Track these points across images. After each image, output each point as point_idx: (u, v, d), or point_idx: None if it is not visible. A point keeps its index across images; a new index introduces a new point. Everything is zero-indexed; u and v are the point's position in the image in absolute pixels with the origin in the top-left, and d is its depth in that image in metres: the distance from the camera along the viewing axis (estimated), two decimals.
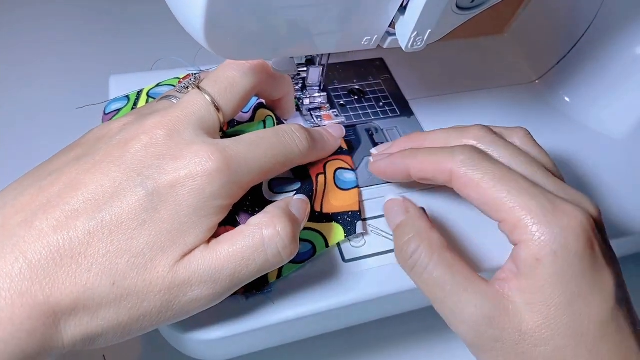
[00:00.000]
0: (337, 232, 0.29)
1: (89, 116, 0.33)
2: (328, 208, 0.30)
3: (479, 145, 0.27)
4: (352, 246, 0.30)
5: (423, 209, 0.28)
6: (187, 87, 0.27)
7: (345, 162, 0.32)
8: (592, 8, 0.40)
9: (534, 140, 0.29)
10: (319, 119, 0.35)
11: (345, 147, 0.33)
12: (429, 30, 0.25)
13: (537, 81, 0.43)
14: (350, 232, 0.29)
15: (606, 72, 0.40)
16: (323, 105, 0.36)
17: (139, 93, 0.34)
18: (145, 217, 0.22)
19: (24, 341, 0.20)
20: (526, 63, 0.44)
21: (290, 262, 0.26)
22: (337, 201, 0.31)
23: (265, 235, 0.23)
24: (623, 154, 0.39)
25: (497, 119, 0.39)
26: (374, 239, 0.30)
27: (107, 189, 0.22)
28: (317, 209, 0.30)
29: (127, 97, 0.34)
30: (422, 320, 0.26)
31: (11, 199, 0.23)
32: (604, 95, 0.40)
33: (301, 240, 0.28)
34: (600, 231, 0.24)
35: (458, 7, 0.25)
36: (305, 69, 0.33)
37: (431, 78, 0.41)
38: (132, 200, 0.22)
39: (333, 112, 0.36)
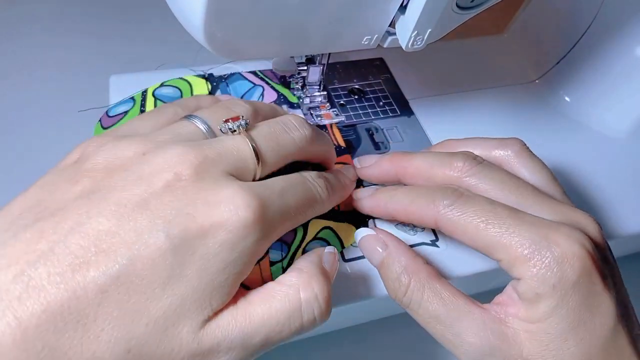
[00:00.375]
0: (350, 233, 0.29)
1: (91, 119, 0.33)
2: (345, 206, 0.30)
3: (463, 178, 0.26)
4: (353, 246, 0.30)
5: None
6: (235, 131, 0.23)
7: (346, 162, 0.32)
8: (592, 8, 0.40)
9: (530, 152, 0.28)
10: (319, 118, 0.35)
11: (344, 145, 0.33)
12: (429, 30, 0.25)
13: (537, 81, 0.43)
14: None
15: (606, 72, 0.40)
16: (323, 105, 0.36)
17: (144, 93, 0.33)
18: (169, 274, 0.19)
19: None
20: (526, 63, 0.44)
21: None
22: (349, 199, 0.31)
23: (303, 298, 0.21)
24: (623, 154, 0.39)
25: (497, 118, 0.39)
26: None
27: (125, 238, 0.19)
28: (336, 207, 0.30)
29: (132, 98, 0.33)
30: None
31: (0, 243, 0.18)
32: (604, 95, 0.40)
33: (321, 239, 0.28)
34: (600, 250, 0.23)
35: (458, 6, 0.25)
36: (305, 67, 0.33)
37: (431, 78, 0.41)
38: (156, 252, 0.19)
39: (333, 111, 0.36)
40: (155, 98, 0.33)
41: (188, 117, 0.24)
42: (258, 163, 0.23)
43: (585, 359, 0.22)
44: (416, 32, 0.25)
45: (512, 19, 0.47)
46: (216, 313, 0.20)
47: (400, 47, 0.27)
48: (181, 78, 0.35)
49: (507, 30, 0.47)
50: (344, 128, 0.36)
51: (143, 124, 0.25)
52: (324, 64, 0.33)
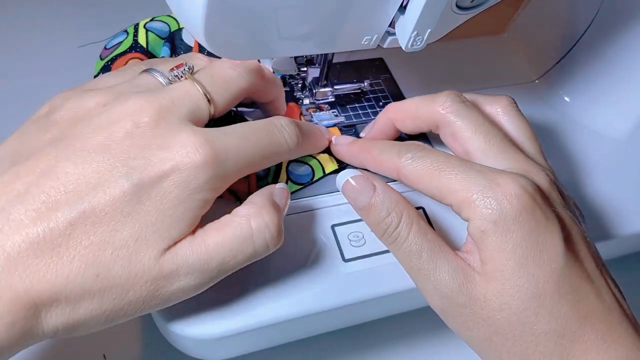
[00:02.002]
0: (331, 161, 0.32)
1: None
2: None
3: (444, 114, 0.28)
4: (352, 246, 0.30)
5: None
6: (180, 77, 0.26)
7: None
8: (592, 8, 0.40)
9: (517, 109, 0.30)
10: (319, 119, 0.35)
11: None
12: (429, 30, 0.25)
13: (537, 81, 0.43)
14: (342, 163, 0.32)
15: (606, 72, 0.40)
16: (323, 106, 0.36)
17: (136, 26, 0.34)
18: (129, 210, 0.22)
19: (3, 334, 0.20)
20: (526, 63, 0.44)
21: (293, 182, 0.29)
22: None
23: (253, 226, 0.24)
24: (623, 154, 0.39)
25: None
26: (374, 238, 0.30)
27: (89, 179, 0.22)
28: None
29: (126, 31, 0.34)
30: (422, 320, 0.26)
31: None
32: (604, 95, 0.40)
33: (301, 162, 0.31)
34: (544, 196, 0.25)
35: (458, 6, 0.25)
36: (305, 68, 0.33)
37: (431, 78, 0.41)
38: (116, 191, 0.21)
39: (333, 112, 0.36)
40: (147, 30, 0.33)
41: (147, 70, 0.27)
42: (209, 102, 0.25)
43: (540, 295, 0.23)
44: (416, 32, 0.25)
45: (512, 19, 0.47)
46: (176, 242, 0.23)
47: (400, 47, 0.27)
48: (170, 15, 0.35)
49: (507, 30, 0.47)
50: (344, 128, 0.36)
51: (108, 79, 0.27)
52: (323, 65, 0.33)
